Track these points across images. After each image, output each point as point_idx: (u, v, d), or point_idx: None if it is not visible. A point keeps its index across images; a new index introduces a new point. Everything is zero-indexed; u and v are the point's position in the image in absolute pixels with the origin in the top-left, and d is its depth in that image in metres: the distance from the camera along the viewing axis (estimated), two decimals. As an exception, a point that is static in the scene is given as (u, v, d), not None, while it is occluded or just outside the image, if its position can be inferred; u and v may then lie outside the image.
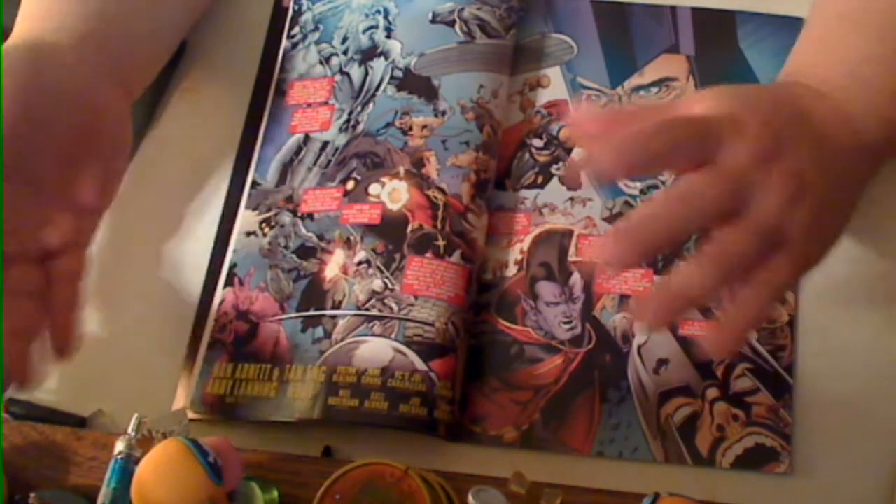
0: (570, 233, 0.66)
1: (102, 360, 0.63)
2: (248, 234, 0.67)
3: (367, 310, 0.62)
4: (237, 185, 0.69)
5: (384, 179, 0.66)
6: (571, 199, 0.67)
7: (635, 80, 0.71)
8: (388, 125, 0.68)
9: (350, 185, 0.67)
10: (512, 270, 0.65)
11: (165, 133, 0.71)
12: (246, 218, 0.67)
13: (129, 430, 0.55)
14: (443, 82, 0.69)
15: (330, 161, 0.68)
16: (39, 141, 0.58)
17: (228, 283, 0.65)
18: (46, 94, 0.58)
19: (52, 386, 0.63)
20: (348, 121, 0.69)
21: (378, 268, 0.63)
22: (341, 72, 0.71)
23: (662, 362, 0.62)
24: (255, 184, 0.68)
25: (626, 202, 0.67)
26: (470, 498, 0.50)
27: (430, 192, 0.65)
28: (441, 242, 0.64)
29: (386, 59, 0.70)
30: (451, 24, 0.70)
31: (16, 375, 0.55)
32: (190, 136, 0.66)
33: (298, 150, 0.69)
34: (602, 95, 0.70)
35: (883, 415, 0.59)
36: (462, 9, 0.71)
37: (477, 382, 0.62)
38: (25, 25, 0.62)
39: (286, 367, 0.62)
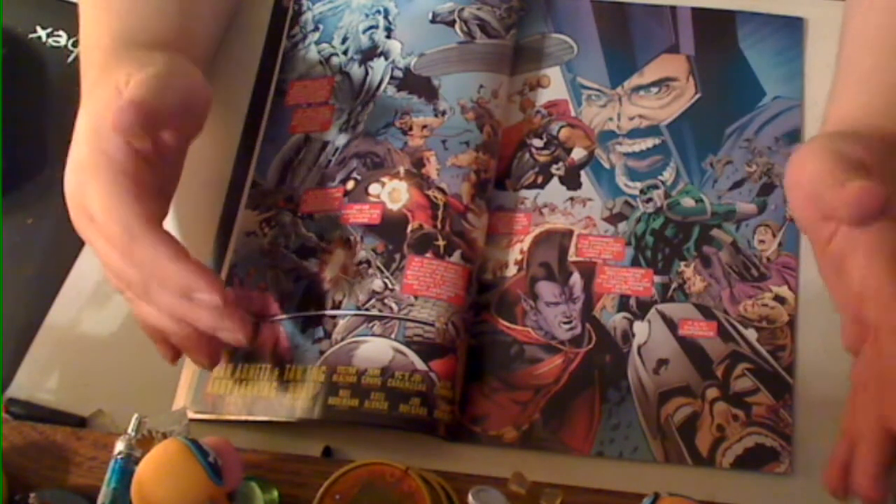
0: (570, 233, 0.66)
1: (102, 360, 0.63)
2: (248, 234, 0.66)
3: (367, 310, 0.62)
4: (237, 185, 0.69)
5: (384, 179, 0.66)
6: (571, 199, 0.67)
7: (635, 80, 0.71)
8: (388, 125, 0.68)
9: (350, 185, 0.67)
10: (512, 270, 0.65)
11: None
12: (246, 218, 0.67)
13: (129, 430, 0.55)
14: (443, 82, 0.69)
15: (330, 161, 0.68)
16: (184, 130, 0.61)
17: (228, 283, 0.65)
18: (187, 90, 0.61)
19: (52, 386, 0.63)
20: (348, 121, 0.69)
21: (378, 268, 0.63)
22: (341, 72, 0.71)
23: (662, 362, 0.62)
24: (255, 184, 0.68)
25: (626, 202, 0.67)
26: (470, 498, 0.50)
27: (430, 192, 0.65)
28: (441, 242, 0.64)
29: (386, 59, 0.70)
30: (451, 24, 0.70)
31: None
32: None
33: (298, 150, 0.69)
34: (602, 95, 0.70)
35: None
36: (462, 9, 0.71)
37: (477, 382, 0.62)
38: (114, 18, 0.64)
39: (286, 367, 0.62)
